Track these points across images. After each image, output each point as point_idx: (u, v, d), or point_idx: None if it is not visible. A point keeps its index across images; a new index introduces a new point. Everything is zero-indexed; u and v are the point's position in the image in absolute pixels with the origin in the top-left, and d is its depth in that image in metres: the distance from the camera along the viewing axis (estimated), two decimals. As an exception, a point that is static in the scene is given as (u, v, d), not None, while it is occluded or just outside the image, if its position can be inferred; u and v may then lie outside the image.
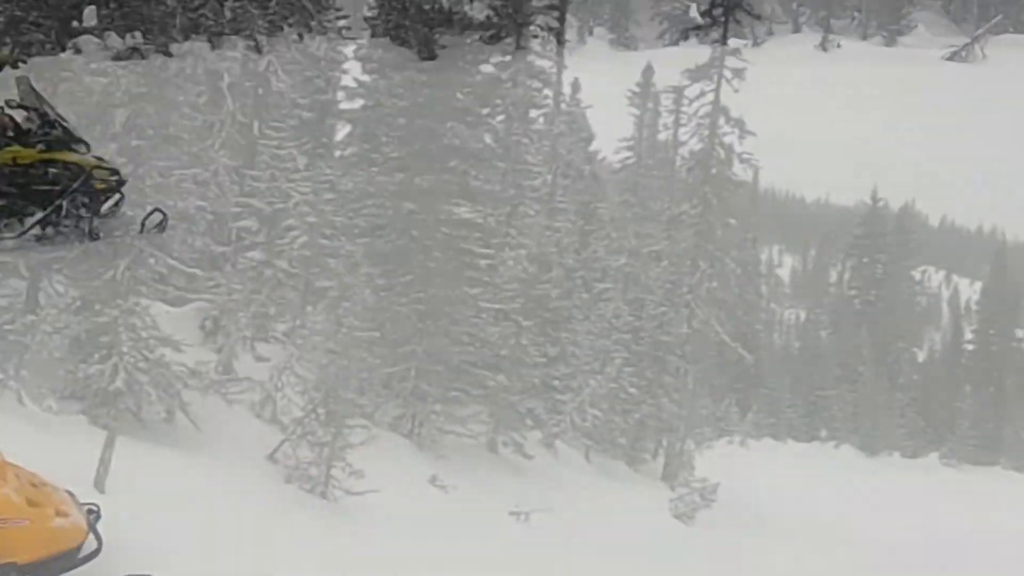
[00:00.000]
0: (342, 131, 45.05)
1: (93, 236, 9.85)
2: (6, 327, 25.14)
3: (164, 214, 10.65)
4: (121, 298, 24.95)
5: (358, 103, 43.72)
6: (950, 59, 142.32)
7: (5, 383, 21.98)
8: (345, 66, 44.40)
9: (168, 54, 23.98)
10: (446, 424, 32.38)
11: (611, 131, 58.85)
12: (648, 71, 61.14)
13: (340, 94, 44.17)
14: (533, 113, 47.33)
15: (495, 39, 35.86)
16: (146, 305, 25.95)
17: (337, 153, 42.86)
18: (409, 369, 31.93)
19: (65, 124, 9.63)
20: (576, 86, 55.89)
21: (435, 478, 29.27)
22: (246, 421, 27.26)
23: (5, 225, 10.32)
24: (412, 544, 23.76)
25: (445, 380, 32.48)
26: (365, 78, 43.75)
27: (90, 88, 26.60)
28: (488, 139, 38.77)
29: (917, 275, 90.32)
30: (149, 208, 10.82)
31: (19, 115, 10.17)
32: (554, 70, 49.11)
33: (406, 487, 27.34)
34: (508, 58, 44.52)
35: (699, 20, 44.63)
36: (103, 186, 10.03)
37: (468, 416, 33.21)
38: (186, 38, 25.70)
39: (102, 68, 26.37)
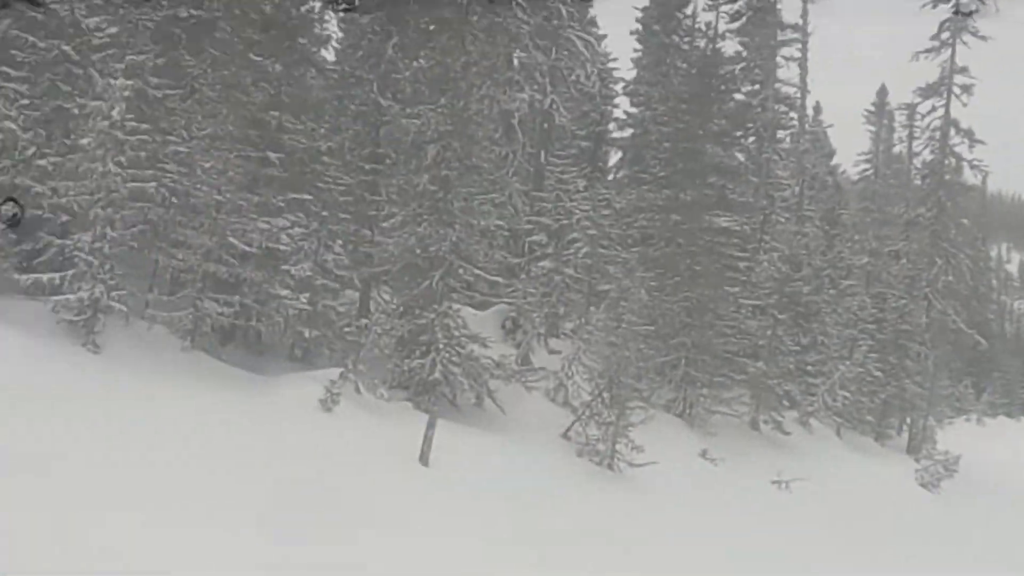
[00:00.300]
0: (615, 157, 45.22)
1: None
2: (345, 330, 25.99)
3: (19, 205, 8.21)
4: (436, 303, 25.49)
5: (628, 132, 43.79)
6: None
7: (346, 376, 22.62)
8: (616, 101, 44.51)
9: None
10: (713, 405, 31.99)
11: (850, 146, 57.50)
12: (882, 92, 59.55)
13: (612, 125, 44.33)
14: (781, 134, 46.59)
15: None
16: (457, 309, 26.42)
17: (611, 175, 43.05)
18: (680, 358, 31.67)
19: None
20: (818, 108, 54.85)
21: (705, 452, 28.92)
22: (542, 405, 27.46)
23: None
24: (688, 507, 23.56)
25: (711, 367, 32.08)
26: (634, 111, 43.78)
27: (406, 128, 27.27)
28: (742, 157, 38.34)
29: None
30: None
31: None
32: (798, 96, 48.26)
33: (680, 460, 27.09)
34: (757, 87, 43.91)
35: None
36: None
37: (732, 398, 32.75)
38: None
39: (416, 111, 27.00)
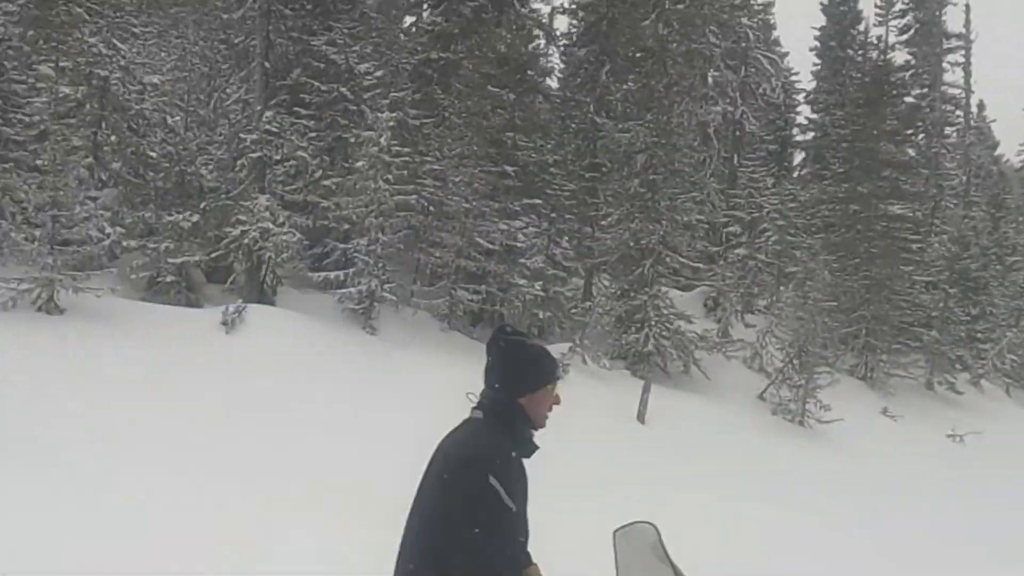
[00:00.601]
0: (798, 157, 44.09)
1: None
2: (572, 311, 26.17)
3: None
4: (648, 287, 25.37)
5: (810, 135, 42.64)
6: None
7: (574, 349, 22.78)
8: (798, 109, 43.39)
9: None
10: (891, 369, 30.69)
11: (1013, 137, 54.39)
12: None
13: (795, 130, 43.27)
14: (948, 130, 44.59)
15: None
16: (665, 291, 26.22)
17: (796, 173, 42.00)
18: (861, 329, 30.53)
19: None
20: (981, 105, 52.06)
21: (885, 410, 27.81)
22: (740, 371, 26.96)
23: None
24: (871, 457, 22.71)
25: (889, 336, 30.81)
26: (814, 116, 42.58)
27: (619, 141, 27.20)
28: (913, 152, 36.73)
29: None
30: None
31: None
32: (963, 96, 46.04)
33: (863, 417, 26.13)
34: (925, 90, 42.03)
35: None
36: None
37: (909, 362, 31.34)
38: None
39: (626, 127, 26.92)
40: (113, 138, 21.90)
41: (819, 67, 45.21)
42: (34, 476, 10.76)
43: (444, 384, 19.36)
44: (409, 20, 31.42)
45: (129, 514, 10.01)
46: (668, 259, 26.37)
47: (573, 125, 29.94)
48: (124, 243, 20.52)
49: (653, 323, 24.91)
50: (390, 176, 22.54)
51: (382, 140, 22.39)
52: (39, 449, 11.69)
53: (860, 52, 44.67)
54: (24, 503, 9.91)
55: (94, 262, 19.11)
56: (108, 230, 19.34)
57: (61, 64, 20.41)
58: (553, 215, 26.05)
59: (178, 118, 23.87)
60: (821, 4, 45.71)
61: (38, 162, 18.67)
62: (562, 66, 33.79)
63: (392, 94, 25.08)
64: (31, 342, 16.15)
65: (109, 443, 12.42)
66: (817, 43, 45.34)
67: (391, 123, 22.85)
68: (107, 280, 19.10)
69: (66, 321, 17.41)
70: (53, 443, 11.97)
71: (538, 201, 25.61)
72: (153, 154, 22.49)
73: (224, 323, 18.96)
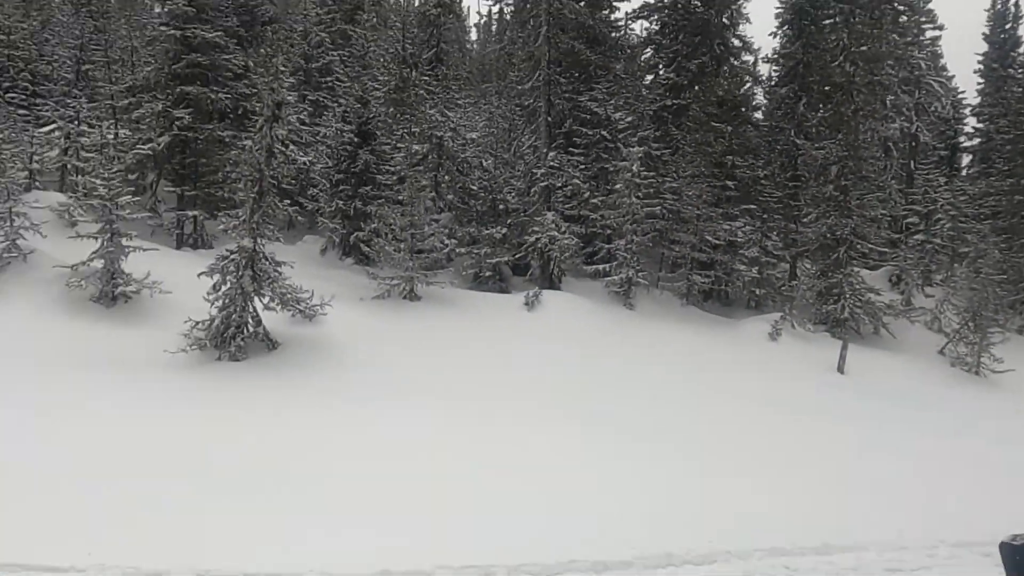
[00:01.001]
0: (965, 160, 40.22)
1: None
2: (782, 288, 25.07)
3: None
4: (842, 268, 24.00)
5: (975, 141, 38.80)
6: None
7: (784, 317, 21.97)
8: (965, 121, 39.57)
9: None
10: (1055, 329, 27.34)
11: None
12: None
13: (963, 138, 39.45)
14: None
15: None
16: (857, 271, 24.68)
17: (964, 172, 38.27)
18: (1027, 296, 27.45)
19: None
20: None
21: (1052, 362, 24.89)
22: (922, 332, 24.94)
23: None
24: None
25: (1053, 302, 27.50)
26: (979, 126, 38.73)
27: (815, 157, 25.82)
28: (1070, 149, 32.37)
29: None
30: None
31: None
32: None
33: (1028, 367, 23.57)
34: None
35: None
36: None
37: (1069, 323, 27.82)
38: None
39: (821, 145, 25.51)
40: (447, 178, 23.24)
41: (983, 85, 41.00)
42: (405, 409, 11.69)
43: (684, 345, 19.34)
44: (649, 78, 31.12)
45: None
46: (858, 245, 24.84)
47: (778, 147, 28.74)
48: (457, 250, 21.76)
49: (848, 296, 23.57)
50: (640, 194, 22.64)
51: (633, 168, 22.53)
52: (405, 392, 12.71)
53: (1020, 71, 40.05)
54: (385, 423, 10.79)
55: (438, 264, 20.39)
56: (446, 241, 20.63)
57: (412, 129, 21.86)
58: (764, 216, 25.16)
59: (489, 161, 24.92)
60: (983, 34, 41.50)
61: (400, 197, 20.14)
62: (767, 102, 32.44)
63: (639, 133, 25.03)
64: (399, 319, 17.51)
65: (449, 387, 13.29)
66: (980, 66, 41.21)
67: (639, 155, 22.95)
68: (447, 276, 20.37)
69: (422, 305, 18.73)
70: (411, 389, 13.00)
71: (752, 206, 24.84)
72: (474, 187, 23.67)
73: (526, 304, 19.75)
